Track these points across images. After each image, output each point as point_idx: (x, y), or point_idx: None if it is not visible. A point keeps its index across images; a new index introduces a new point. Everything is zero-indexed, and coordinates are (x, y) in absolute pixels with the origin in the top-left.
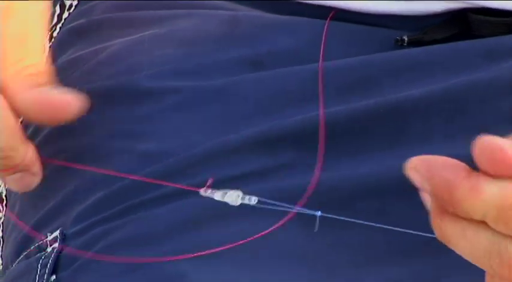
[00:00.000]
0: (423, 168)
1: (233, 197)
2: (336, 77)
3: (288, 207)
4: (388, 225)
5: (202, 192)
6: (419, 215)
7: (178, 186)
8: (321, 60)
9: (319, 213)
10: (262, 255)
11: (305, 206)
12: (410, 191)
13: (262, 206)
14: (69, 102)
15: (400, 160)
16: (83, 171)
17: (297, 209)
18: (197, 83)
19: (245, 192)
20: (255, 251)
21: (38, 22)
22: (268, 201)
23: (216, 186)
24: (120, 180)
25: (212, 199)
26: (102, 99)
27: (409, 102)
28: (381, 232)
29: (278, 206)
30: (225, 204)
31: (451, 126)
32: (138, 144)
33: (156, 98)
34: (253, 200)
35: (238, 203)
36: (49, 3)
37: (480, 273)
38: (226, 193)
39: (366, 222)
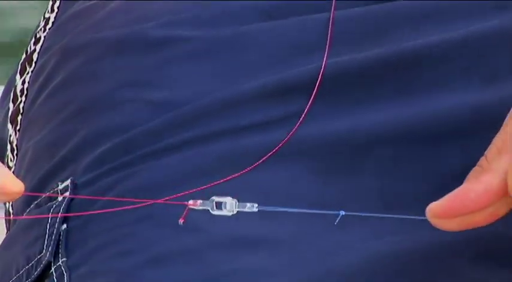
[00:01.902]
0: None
1: (228, 206)
2: (347, 26)
3: (298, 210)
4: (401, 173)
5: (192, 205)
6: (433, 164)
7: (160, 201)
8: (332, 9)
9: (342, 213)
10: (278, 203)
11: (320, 153)
12: (423, 140)
13: (263, 208)
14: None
15: (412, 109)
16: (92, 120)
17: (313, 211)
18: (207, 33)
19: (258, 142)
20: (271, 200)
21: None
22: (268, 208)
23: (230, 135)
24: (127, 130)
25: (218, 149)
26: (111, 49)
27: (425, 50)
28: (398, 179)
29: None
30: (235, 153)
31: (463, 76)
32: (148, 94)
33: (167, 47)
34: (254, 207)
35: (235, 212)
36: None
37: None
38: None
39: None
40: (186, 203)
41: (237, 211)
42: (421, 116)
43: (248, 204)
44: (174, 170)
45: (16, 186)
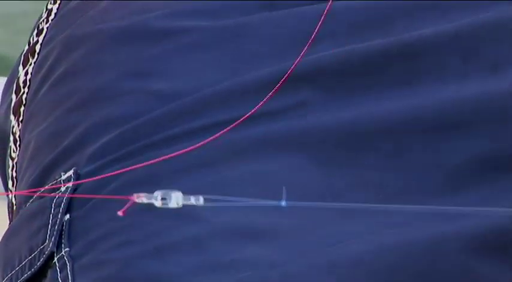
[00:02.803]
0: None
1: (174, 200)
2: (348, 15)
3: (246, 201)
4: (403, 166)
5: (136, 199)
6: (434, 156)
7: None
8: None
9: (283, 203)
10: (280, 196)
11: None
12: (425, 131)
13: (210, 205)
14: None
15: (414, 100)
16: (96, 111)
17: (258, 202)
18: (210, 23)
19: (260, 132)
20: (273, 191)
21: None
22: (214, 197)
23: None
24: (131, 120)
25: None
26: (114, 40)
27: (421, 42)
28: (400, 170)
29: (229, 201)
30: (238, 143)
31: (465, 66)
32: (151, 84)
33: (169, 38)
34: (200, 200)
35: (180, 205)
36: None
37: None
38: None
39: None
40: (130, 197)
41: (182, 204)
42: (422, 108)
43: (192, 198)
44: (176, 161)
45: None
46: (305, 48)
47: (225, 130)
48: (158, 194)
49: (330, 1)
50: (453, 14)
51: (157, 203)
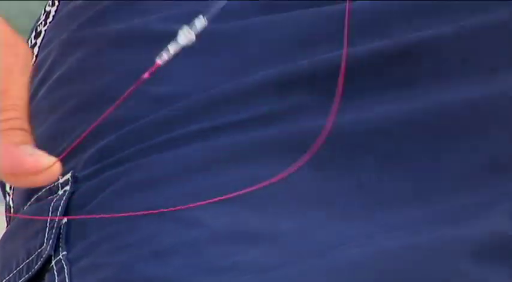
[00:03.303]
0: None
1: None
2: (349, 19)
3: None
4: (401, 169)
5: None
6: (433, 159)
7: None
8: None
9: None
10: (279, 199)
11: (319, 149)
12: (425, 134)
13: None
14: (42, 166)
15: (413, 102)
16: (94, 114)
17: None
18: (212, 26)
19: (261, 136)
20: (272, 195)
21: (22, 76)
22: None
23: (232, 129)
24: (129, 123)
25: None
26: (112, 43)
27: (420, 44)
28: (397, 174)
29: None
30: (235, 147)
31: (464, 69)
32: (151, 87)
33: (168, 41)
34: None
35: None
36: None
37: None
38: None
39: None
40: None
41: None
42: (421, 110)
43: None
44: (176, 164)
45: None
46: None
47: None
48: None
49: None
50: (452, 16)
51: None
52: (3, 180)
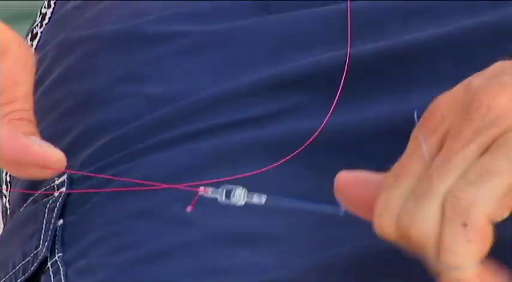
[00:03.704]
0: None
1: (238, 196)
2: (342, 20)
3: (308, 204)
4: None
5: (202, 192)
6: None
7: (175, 186)
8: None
9: (342, 211)
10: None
11: (313, 149)
12: None
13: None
14: (50, 157)
15: (409, 104)
16: (89, 115)
17: (318, 206)
18: (205, 27)
19: (255, 137)
20: (267, 195)
21: (28, 68)
22: (276, 197)
23: (225, 130)
24: (125, 125)
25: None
26: (107, 44)
27: (415, 46)
28: None
29: (293, 202)
30: (231, 149)
31: (459, 70)
32: (145, 88)
33: (164, 42)
34: (263, 198)
35: (243, 203)
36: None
37: None
38: (230, 191)
39: None
40: (197, 189)
41: (245, 202)
42: (419, 112)
43: (255, 196)
44: (170, 165)
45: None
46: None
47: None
48: (223, 189)
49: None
50: (447, 18)
51: (222, 198)
52: (9, 169)
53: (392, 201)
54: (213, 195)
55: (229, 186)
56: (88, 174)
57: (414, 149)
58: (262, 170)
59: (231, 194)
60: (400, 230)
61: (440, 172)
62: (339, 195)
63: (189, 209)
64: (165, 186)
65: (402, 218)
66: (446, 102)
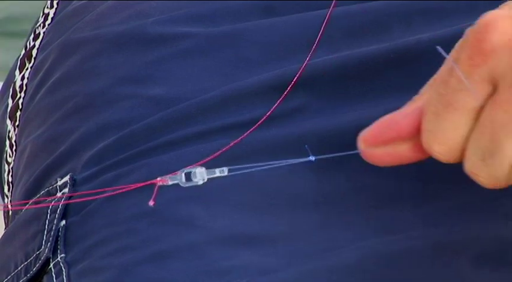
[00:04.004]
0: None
1: (198, 175)
2: (345, 21)
3: (279, 163)
4: (397, 172)
5: (161, 182)
6: (425, 162)
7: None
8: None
9: (312, 158)
10: (276, 201)
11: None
12: None
13: (233, 173)
14: None
15: None
16: (92, 116)
17: (288, 161)
18: (209, 29)
19: (258, 138)
20: (270, 198)
21: None
22: (238, 166)
23: (228, 132)
24: (129, 125)
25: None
26: (110, 45)
27: (418, 47)
28: (392, 176)
29: (257, 167)
30: (235, 149)
31: None
32: (149, 89)
33: (167, 43)
34: (225, 171)
35: (206, 179)
36: None
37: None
38: (189, 172)
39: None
40: (155, 180)
41: (207, 179)
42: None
43: (217, 170)
44: (173, 167)
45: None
46: (309, 55)
47: (248, 131)
48: (182, 172)
49: (331, 8)
50: (450, 19)
51: (183, 182)
52: None
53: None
54: (173, 182)
55: (188, 169)
56: None
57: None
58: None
59: (191, 175)
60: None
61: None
62: (367, 149)
63: (151, 203)
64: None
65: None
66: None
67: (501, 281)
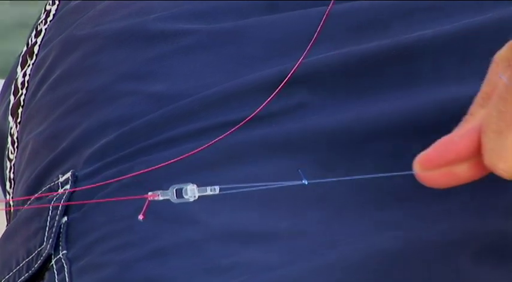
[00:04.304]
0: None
1: (189, 192)
2: (347, 18)
3: (271, 185)
4: (401, 168)
5: (151, 197)
6: None
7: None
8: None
9: (305, 182)
10: (277, 198)
11: (317, 149)
12: (424, 133)
13: (224, 192)
14: None
15: (412, 101)
16: (93, 113)
17: (281, 183)
18: (211, 25)
19: (259, 135)
20: (270, 194)
21: None
22: (230, 186)
23: (230, 128)
24: (129, 122)
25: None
26: (111, 42)
27: (419, 43)
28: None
29: (246, 187)
30: (236, 146)
31: (462, 68)
32: (150, 86)
33: (168, 40)
34: (216, 190)
35: (197, 196)
36: None
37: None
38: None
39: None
40: (146, 195)
41: (198, 196)
42: (421, 109)
43: (208, 188)
44: (175, 163)
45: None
46: (305, 51)
47: (232, 130)
48: (173, 189)
49: (330, 5)
50: (452, 16)
51: (174, 199)
52: None
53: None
54: (164, 197)
55: (179, 186)
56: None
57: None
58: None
59: (183, 192)
60: None
61: None
62: (423, 172)
63: (140, 217)
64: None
65: None
66: None
67: (502, 277)
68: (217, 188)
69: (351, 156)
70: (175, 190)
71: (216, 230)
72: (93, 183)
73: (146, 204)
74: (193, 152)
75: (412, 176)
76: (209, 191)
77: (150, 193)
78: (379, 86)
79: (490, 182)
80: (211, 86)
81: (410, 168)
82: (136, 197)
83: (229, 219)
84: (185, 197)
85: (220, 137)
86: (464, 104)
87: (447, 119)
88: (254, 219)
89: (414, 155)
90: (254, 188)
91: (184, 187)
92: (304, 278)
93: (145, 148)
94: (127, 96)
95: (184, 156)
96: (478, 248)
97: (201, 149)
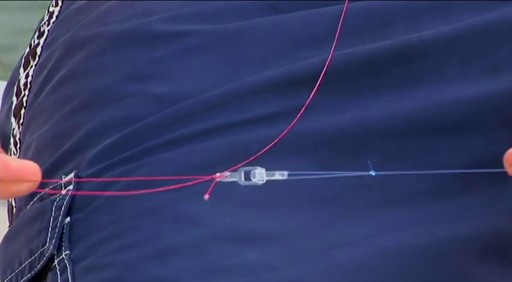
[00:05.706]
0: None
1: (257, 176)
2: (351, 19)
3: (337, 173)
4: (404, 168)
5: (218, 178)
6: (436, 158)
7: (187, 178)
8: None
9: (373, 173)
10: (281, 198)
11: (318, 149)
12: (427, 133)
13: (292, 178)
14: (29, 170)
15: (414, 102)
16: (97, 113)
17: (347, 173)
18: (213, 27)
19: (263, 135)
20: (274, 195)
21: None
22: (297, 172)
23: (234, 128)
24: (133, 123)
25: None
26: (115, 43)
27: (422, 44)
28: (399, 174)
29: (315, 174)
30: (239, 147)
31: (465, 68)
32: (152, 87)
33: (172, 41)
34: (285, 175)
35: (265, 180)
36: None
37: None
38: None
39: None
40: (213, 176)
41: (266, 180)
42: (423, 109)
43: (277, 173)
44: (178, 164)
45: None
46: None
47: (292, 124)
48: (242, 171)
49: (345, 8)
50: (454, 16)
51: (241, 181)
52: None
53: None
54: (232, 179)
55: (248, 168)
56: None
57: None
58: None
59: (251, 175)
60: None
61: None
62: None
63: (206, 196)
64: (175, 186)
65: None
66: None
67: (505, 276)
68: (285, 173)
69: (354, 157)
70: (244, 172)
71: (219, 231)
72: (96, 184)
73: (213, 184)
74: (283, 133)
75: (413, 177)
76: (278, 175)
77: (218, 174)
78: (381, 86)
79: (493, 182)
80: (213, 87)
81: (411, 168)
82: (204, 176)
83: (232, 221)
84: (253, 180)
85: (290, 126)
86: (464, 104)
87: (448, 119)
88: (258, 220)
89: (415, 156)
90: (321, 176)
91: (253, 170)
92: (307, 279)
93: (149, 149)
94: (130, 97)
95: (281, 135)
96: (481, 247)
97: (282, 136)
